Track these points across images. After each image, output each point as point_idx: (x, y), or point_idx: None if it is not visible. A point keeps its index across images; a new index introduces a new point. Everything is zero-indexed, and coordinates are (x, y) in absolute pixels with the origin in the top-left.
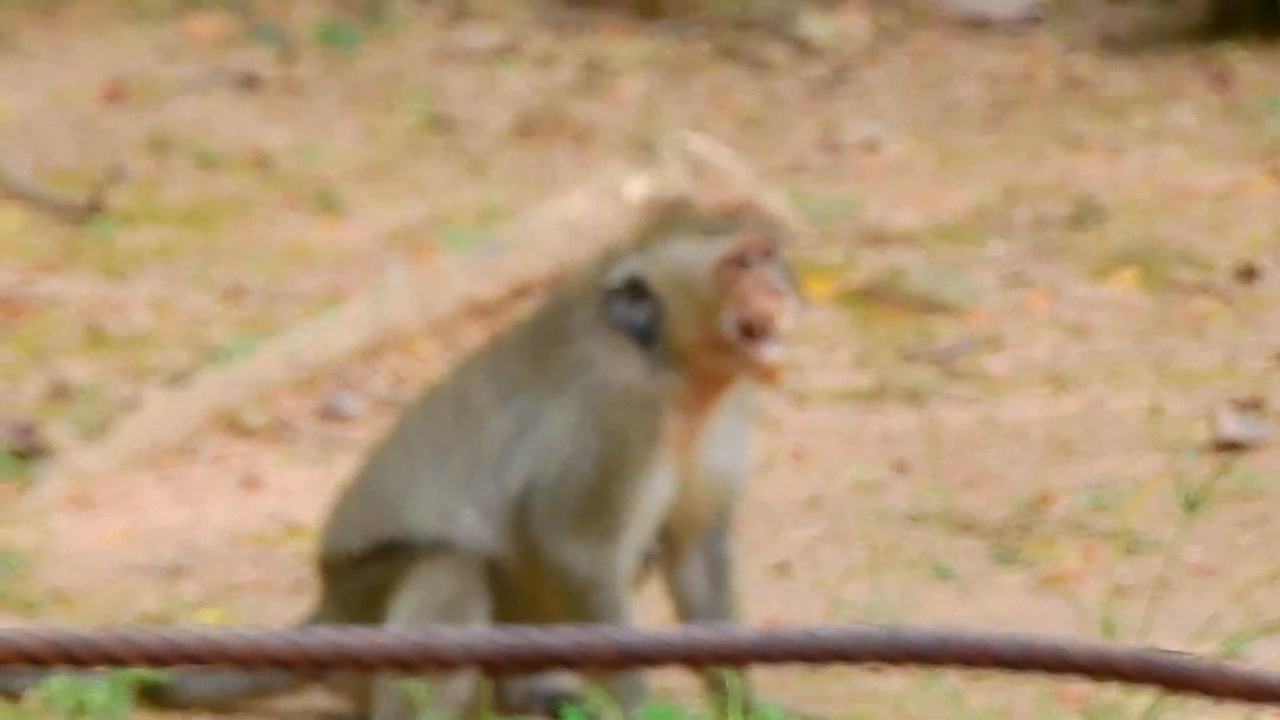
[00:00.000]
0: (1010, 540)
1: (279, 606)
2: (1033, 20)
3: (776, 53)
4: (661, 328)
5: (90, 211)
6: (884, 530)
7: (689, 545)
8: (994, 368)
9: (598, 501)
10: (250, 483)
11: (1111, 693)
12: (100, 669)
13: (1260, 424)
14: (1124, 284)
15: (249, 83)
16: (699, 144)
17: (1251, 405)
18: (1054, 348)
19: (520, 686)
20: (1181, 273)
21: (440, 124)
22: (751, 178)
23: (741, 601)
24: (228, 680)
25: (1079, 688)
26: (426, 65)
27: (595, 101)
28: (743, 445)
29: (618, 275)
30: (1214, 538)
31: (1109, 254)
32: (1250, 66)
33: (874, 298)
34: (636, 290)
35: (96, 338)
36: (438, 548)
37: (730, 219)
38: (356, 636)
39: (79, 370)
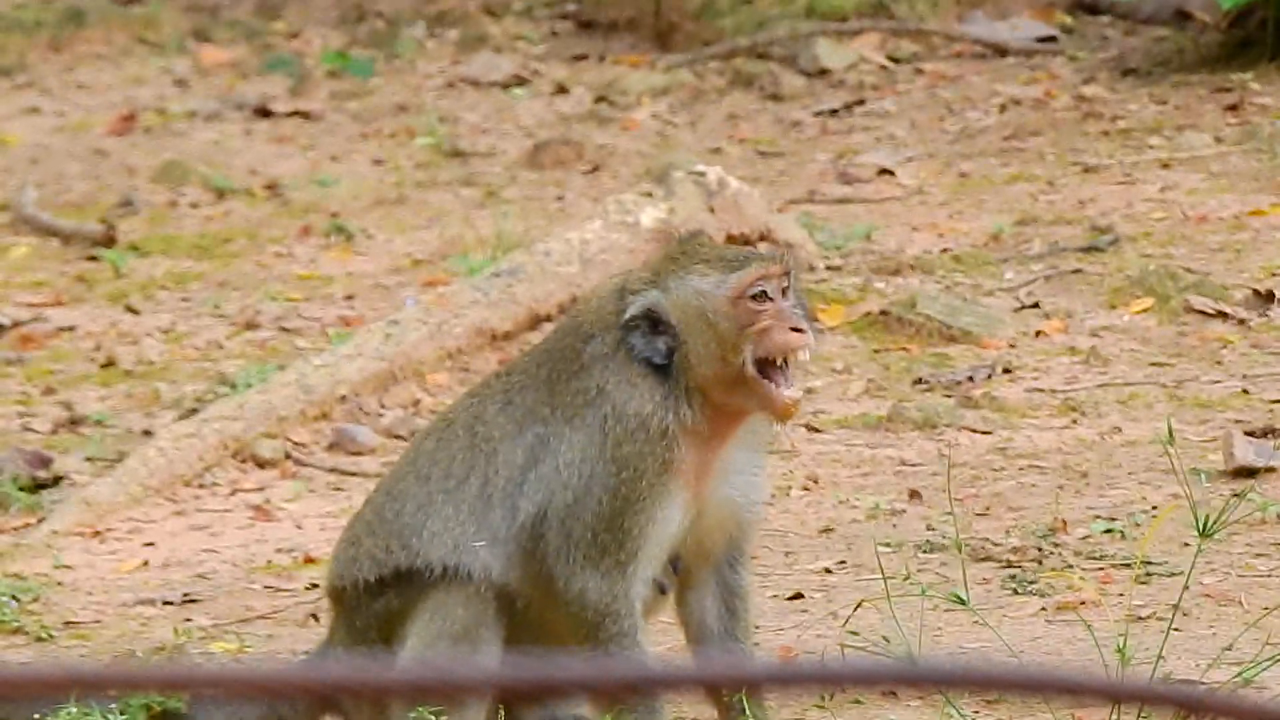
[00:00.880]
0: (1025, 568)
1: (291, 638)
2: (1048, 48)
3: (791, 81)
4: (678, 360)
5: (103, 242)
6: (898, 559)
7: (703, 574)
8: (1009, 396)
9: (611, 532)
10: (263, 514)
11: (1128, 718)
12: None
13: (1275, 451)
14: (1139, 312)
15: (262, 113)
16: (713, 173)
17: (1267, 432)
18: (1069, 376)
19: (535, 714)
20: (1197, 300)
21: (453, 153)
22: (766, 206)
23: (754, 631)
24: (242, 708)
25: (1095, 712)
26: (440, 95)
27: (609, 131)
28: (757, 476)
29: (635, 307)
30: (1229, 565)
31: (1124, 282)
32: (1266, 94)
33: (889, 326)
34: (654, 322)
35: (109, 369)
36: (451, 576)
37: (746, 251)
38: (370, 666)
39: (92, 401)
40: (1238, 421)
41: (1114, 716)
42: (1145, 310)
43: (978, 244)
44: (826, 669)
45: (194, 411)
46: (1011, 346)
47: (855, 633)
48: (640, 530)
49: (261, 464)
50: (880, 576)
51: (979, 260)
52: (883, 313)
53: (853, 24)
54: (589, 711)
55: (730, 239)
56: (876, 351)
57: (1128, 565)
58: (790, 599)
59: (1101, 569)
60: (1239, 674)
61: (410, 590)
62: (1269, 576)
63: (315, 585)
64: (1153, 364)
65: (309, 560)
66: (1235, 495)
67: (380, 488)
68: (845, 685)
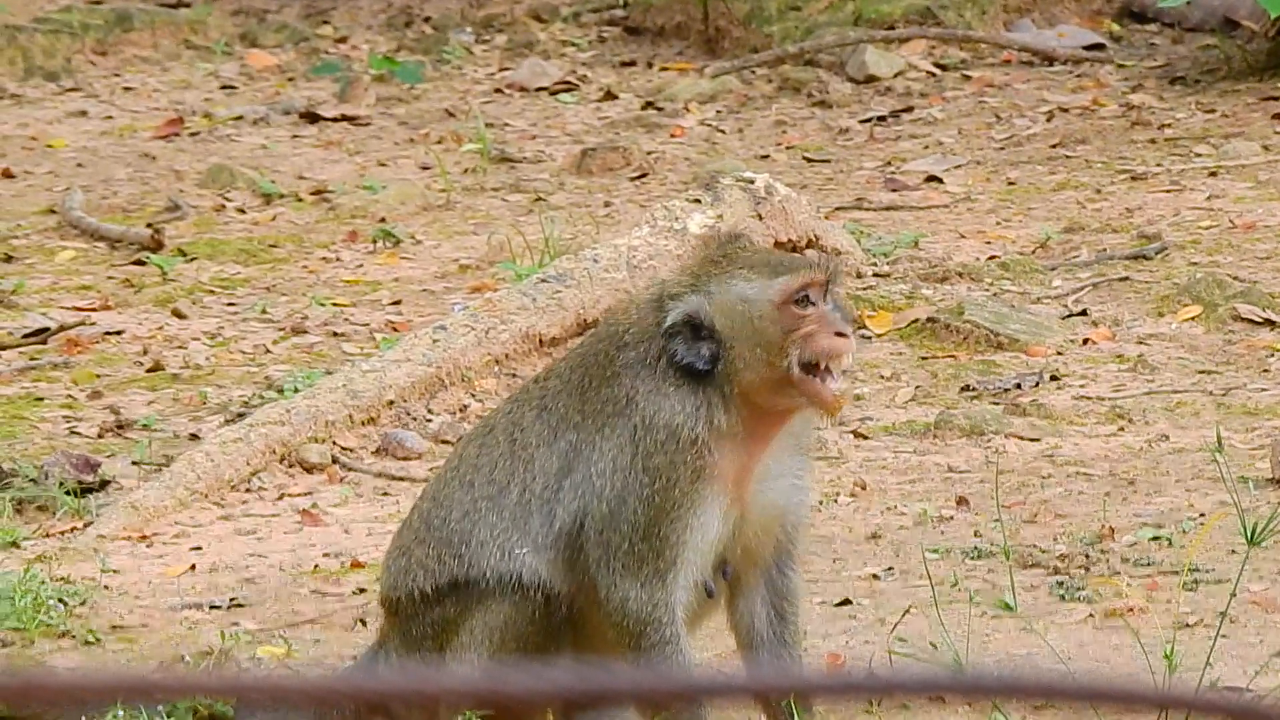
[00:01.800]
0: (1073, 575)
1: (338, 643)
2: (1096, 56)
3: (839, 88)
4: (722, 366)
5: (150, 246)
6: (946, 565)
7: (752, 579)
8: (1056, 403)
9: (648, 541)
10: (310, 518)
11: None
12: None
13: None
14: (1186, 320)
15: (309, 117)
16: (761, 180)
17: None
18: (1116, 383)
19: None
20: (1244, 308)
21: (501, 159)
22: (813, 213)
23: (803, 636)
24: (289, 714)
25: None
26: (487, 100)
27: (657, 137)
28: (801, 479)
29: (677, 313)
30: (1277, 572)
31: (1171, 290)
32: None
33: (936, 333)
34: (695, 328)
35: (156, 373)
36: (504, 584)
37: (790, 256)
38: (423, 674)
39: (138, 406)
40: None
41: None
42: (1193, 318)
43: (1025, 251)
44: (875, 678)
45: (241, 416)
46: (1059, 354)
47: (903, 639)
48: (678, 538)
49: (309, 469)
50: (928, 583)
51: (1026, 268)
52: (930, 320)
53: (900, 31)
54: (635, 717)
55: (778, 245)
56: (924, 359)
57: (1175, 572)
58: (838, 605)
59: (1149, 576)
60: None
61: (465, 599)
62: None
63: (363, 590)
64: (1200, 371)
65: (356, 565)
66: None
67: (426, 494)
68: (894, 695)
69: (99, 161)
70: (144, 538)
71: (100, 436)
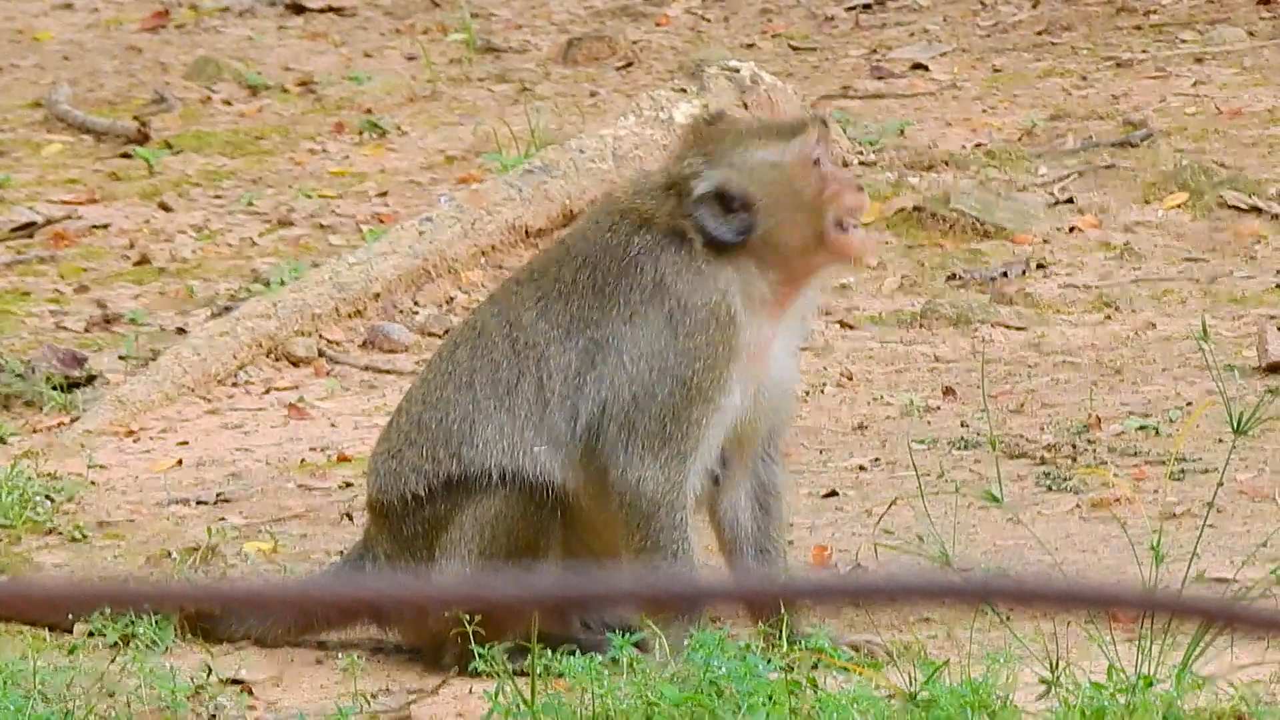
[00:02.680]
0: (1060, 465)
1: (324, 538)
2: None
3: None
4: (757, 234)
5: (136, 139)
6: (933, 456)
7: (737, 472)
8: (1043, 292)
9: (677, 422)
10: (297, 412)
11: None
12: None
13: None
14: (1173, 207)
15: (295, 9)
16: (747, 69)
17: None
18: (1103, 271)
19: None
20: (1230, 195)
21: (486, 49)
22: (799, 102)
23: (787, 530)
24: (276, 615)
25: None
26: None
27: (642, 26)
28: (796, 359)
29: (705, 184)
30: (1263, 461)
31: (1158, 177)
32: None
33: (922, 222)
34: (725, 201)
35: (142, 266)
36: (508, 482)
37: (786, 118)
38: (412, 580)
39: (125, 300)
40: (1272, 317)
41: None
42: (1179, 205)
43: (1011, 139)
44: (861, 582)
45: (228, 309)
46: (1045, 242)
47: (889, 531)
48: (706, 419)
49: (295, 362)
50: (914, 474)
51: (1013, 155)
52: (916, 208)
53: None
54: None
55: None
56: (910, 248)
57: (1162, 462)
58: (825, 496)
59: (1136, 466)
60: (1273, 570)
61: (462, 498)
62: None
63: (349, 484)
64: (1186, 259)
65: (343, 459)
66: (1269, 391)
67: (412, 398)
68: (880, 598)
69: (85, 54)
70: (130, 433)
71: (87, 331)
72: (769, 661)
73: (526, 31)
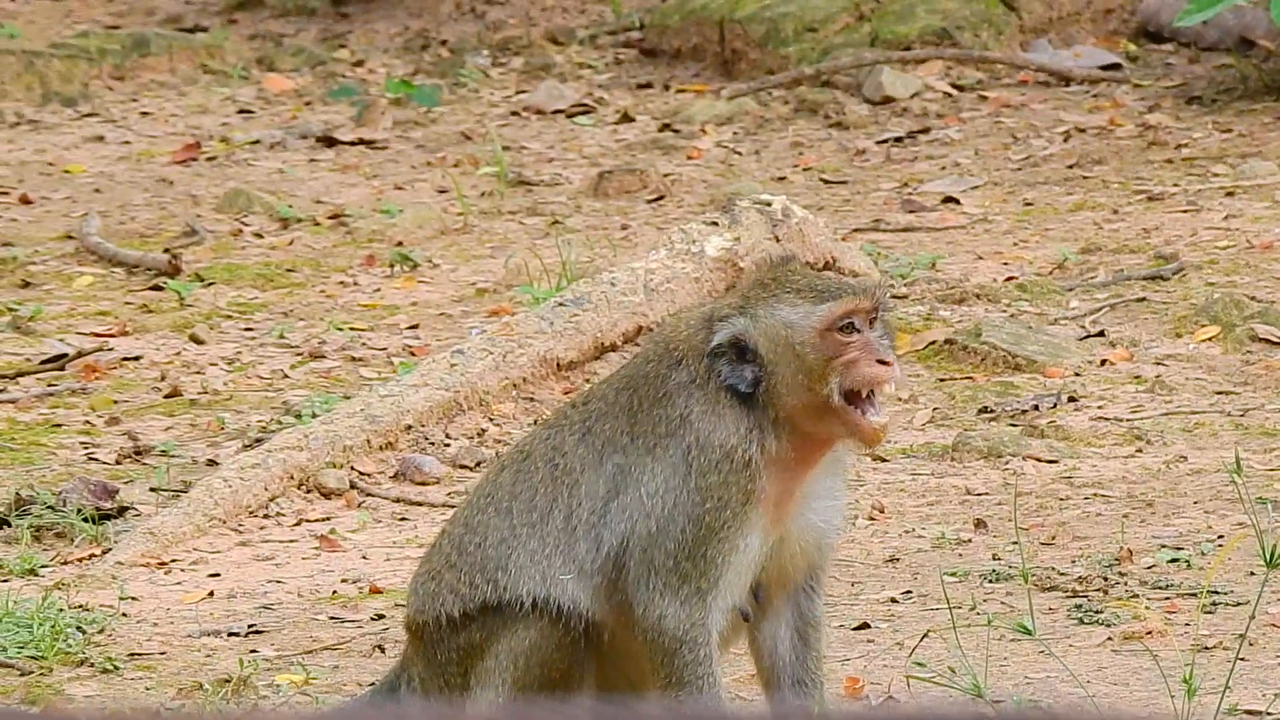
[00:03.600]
0: (1091, 598)
1: (356, 669)
2: (1112, 76)
3: (855, 110)
4: (765, 389)
5: (167, 271)
6: (964, 588)
7: (779, 603)
8: (1074, 425)
9: (692, 560)
10: (328, 544)
11: None
12: None
13: None
14: (1204, 340)
15: (326, 141)
16: (778, 202)
17: None
18: (1134, 404)
19: None
20: (1262, 328)
21: (518, 182)
22: (831, 235)
23: (824, 661)
24: None
25: None
26: (504, 123)
27: (674, 159)
28: (838, 501)
29: (722, 334)
30: None
31: (1189, 310)
32: None
33: (954, 355)
34: (740, 350)
35: (174, 398)
36: (540, 610)
37: (837, 282)
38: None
39: (156, 431)
40: None
41: None
42: (1210, 339)
43: (1042, 272)
44: (894, 714)
45: (259, 441)
46: (1076, 375)
47: (921, 664)
48: (723, 559)
49: (327, 494)
50: (946, 606)
51: (1044, 289)
52: (948, 341)
53: (917, 52)
54: None
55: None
56: (942, 380)
57: (1194, 595)
58: (856, 629)
59: (1167, 599)
60: None
61: (496, 624)
62: None
63: (381, 616)
64: (1218, 392)
65: (375, 591)
66: None
67: (456, 521)
68: None
69: (116, 187)
70: (162, 564)
71: (118, 463)
72: None
73: (558, 165)
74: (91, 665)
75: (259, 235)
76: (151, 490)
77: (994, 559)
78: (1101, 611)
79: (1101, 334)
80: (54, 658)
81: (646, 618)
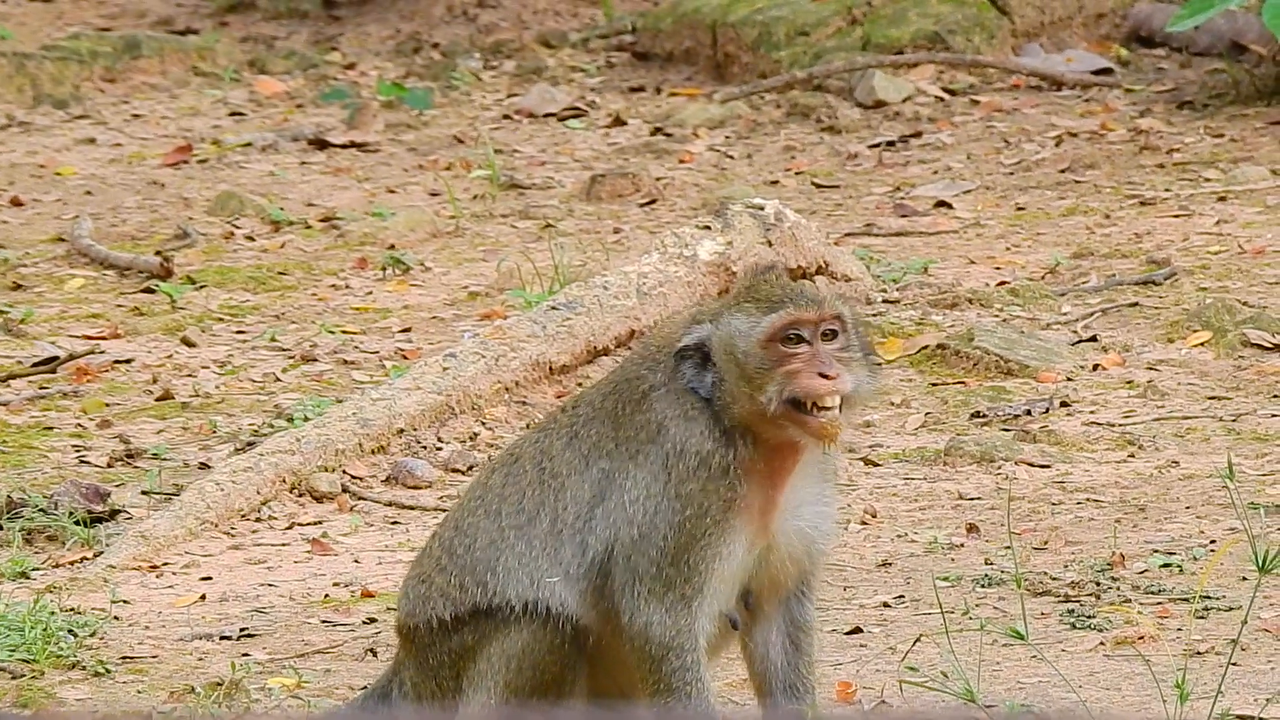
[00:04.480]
0: (1084, 603)
1: (349, 673)
2: (1104, 80)
3: (848, 114)
4: (718, 395)
5: (159, 274)
6: (957, 593)
7: (771, 609)
8: (1066, 430)
9: (675, 567)
10: (320, 547)
11: None
12: None
13: None
14: (1196, 345)
15: (318, 144)
16: (771, 206)
17: None
18: (1126, 409)
19: None
20: (1254, 334)
21: (510, 185)
22: (823, 239)
23: (816, 667)
24: None
25: None
26: (496, 126)
27: (666, 163)
28: (828, 506)
29: (689, 338)
30: None
31: (1181, 315)
32: None
33: (946, 359)
34: (705, 356)
35: (165, 401)
36: (529, 613)
37: (788, 293)
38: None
39: (148, 434)
40: None
41: None
42: (1202, 344)
43: (1034, 277)
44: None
45: (251, 445)
46: (1069, 380)
47: (914, 668)
48: (705, 566)
49: (318, 498)
50: (939, 611)
51: (1036, 293)
52: (940, 346)
53: (909, 56)
54: None
55: (788, 272)
56: (934, 385)
57: (1186, 600)
58: (849, 633)
59: (1160, 603)
60: None
61: (487, 627)
62: None
63: (373, 619)
64: (1210, 397)
65: (366, 594)
66: None
67: (448, 524)
68: None
69: (108, 189)
70: (154, 568)
71: (110, 466)
72: None
73: (550, 168)
74: (83, 668)
75: (250, 238)
76: (143, 493)
77: (986, 564)
78: (1094, 616)
79: (1094, 339)
80: (45, 661)
81: (633, 624)
